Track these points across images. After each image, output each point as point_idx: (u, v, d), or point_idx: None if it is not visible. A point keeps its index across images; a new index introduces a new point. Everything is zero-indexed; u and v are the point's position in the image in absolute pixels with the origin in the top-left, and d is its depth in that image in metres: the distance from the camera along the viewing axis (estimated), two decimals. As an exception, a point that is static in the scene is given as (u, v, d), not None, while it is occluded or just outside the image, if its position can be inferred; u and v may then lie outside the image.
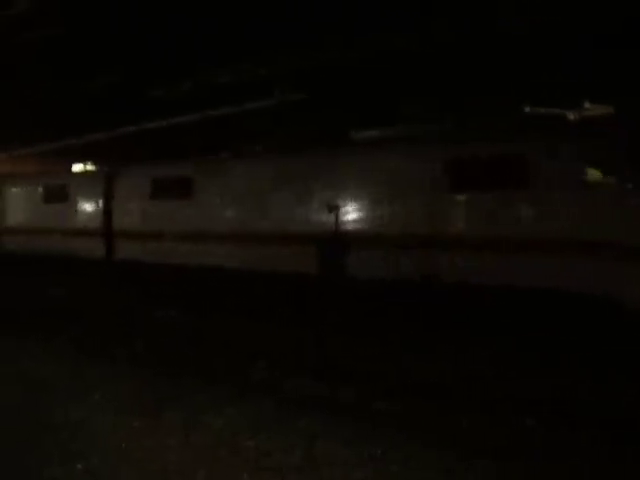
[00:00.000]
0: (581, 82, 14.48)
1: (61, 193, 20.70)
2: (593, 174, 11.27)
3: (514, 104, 15.86)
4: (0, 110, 19.06)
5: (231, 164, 17.04)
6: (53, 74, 14.60)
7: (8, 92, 16.66)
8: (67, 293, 15.88)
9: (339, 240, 14.58)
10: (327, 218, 14.91)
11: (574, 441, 6.49)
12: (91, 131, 21.05)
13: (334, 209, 14.65)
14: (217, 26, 11.48)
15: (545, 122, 15.16)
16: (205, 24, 11.41)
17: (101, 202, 19.46)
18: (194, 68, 13.86)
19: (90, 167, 28.32)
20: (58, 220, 20.75)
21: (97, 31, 11.59)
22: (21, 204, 22.70)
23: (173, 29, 11.67)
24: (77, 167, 28.80)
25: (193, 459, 6.11)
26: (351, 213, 14.61)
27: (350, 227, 14.49)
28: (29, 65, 13.86)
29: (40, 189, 21.50)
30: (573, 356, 9.31)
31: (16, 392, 7.95)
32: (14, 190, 23.19)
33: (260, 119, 18.15)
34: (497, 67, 13.76)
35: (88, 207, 19.89)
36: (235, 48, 12.68)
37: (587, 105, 16.09)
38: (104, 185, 19.35)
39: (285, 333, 11.26)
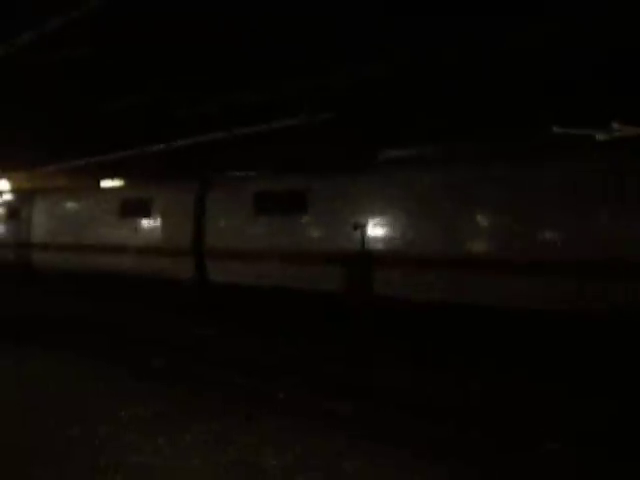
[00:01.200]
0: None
1: (143, 207, 18.92)
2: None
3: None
4: (31, 128, 19.24)
5: (349, 178, 15.33)
6: (82, 93, 14.75)
7: (39, 110, 16.86)
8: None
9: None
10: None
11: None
12: (120, 149, 21.22)
13: (359, 227, 14.61)
14: (244, 46, 11.54)
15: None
16: (232, 44, 11.48)
17: (192, 217, 17.75)
18: (221, 88, 13.94)
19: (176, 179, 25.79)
20: (136, 237, 19.01)
21: (125, 52, 11.71)
22: (90, 219, 20.47)
23: (201, 49, 11.76)
24: (106, 183, 28.86)
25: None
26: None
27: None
28: (59, 85, 14.02)
29: (116, 202, 19.52)
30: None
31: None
32: (77, 204, 21.41)
33: (286, 138, 18.22)
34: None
35: (175, 222, 18.14)
36: (261, 68, 12.75)
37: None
38: (196, 199, 17.75)
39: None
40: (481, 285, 12.90)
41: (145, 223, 18.82)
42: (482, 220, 13.61)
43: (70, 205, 21.69)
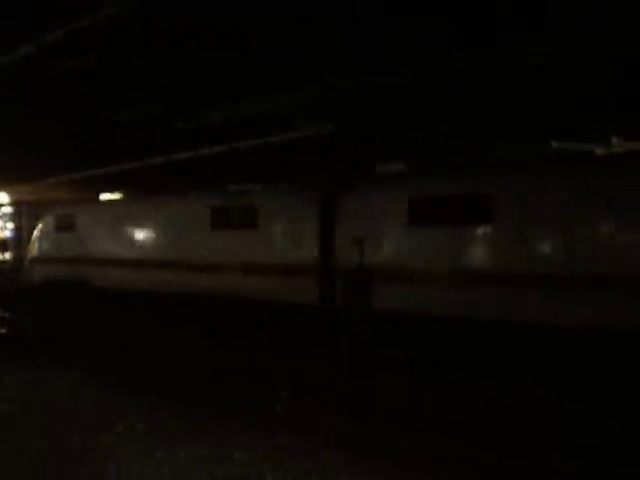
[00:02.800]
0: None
1: (245, 217, 16.40)
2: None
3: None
4: (34, 139, 19.14)
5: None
6: (85, 105, 14.75)
7: (42, 122, 16.84)
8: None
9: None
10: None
11: None
12: (122, 160, 21.17)
13: (359, 242, 14.52)
14: (246, 58, 11.56)
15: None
16: (234, 56, 11.49)
17: (315, 230, 15.04)
18: (223, 100, 13.94)
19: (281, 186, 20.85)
20: (234, 252, 16.40)
21: (129, 63, 11.72)
22: (169, 231, 18.16)
23: (202, 62, 11.77)
24: (105, 195, 28.64)
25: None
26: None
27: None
28: (61, 96, 14.01)
29: (205, 212, 17.06)
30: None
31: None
32: (150, 214, 19.17)
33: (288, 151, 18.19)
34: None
35: (292, 236, 15.50)
36: (263, 81, 12.76)
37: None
38: (320, 208, 15.19)
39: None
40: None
41: (246, 237, 16.29)
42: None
43: (140, 215, 19.60)
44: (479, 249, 12.63)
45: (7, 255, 31.49)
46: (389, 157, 17.40)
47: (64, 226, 21.64)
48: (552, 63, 10.88)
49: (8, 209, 32.66)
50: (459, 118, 15.18)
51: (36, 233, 23.60)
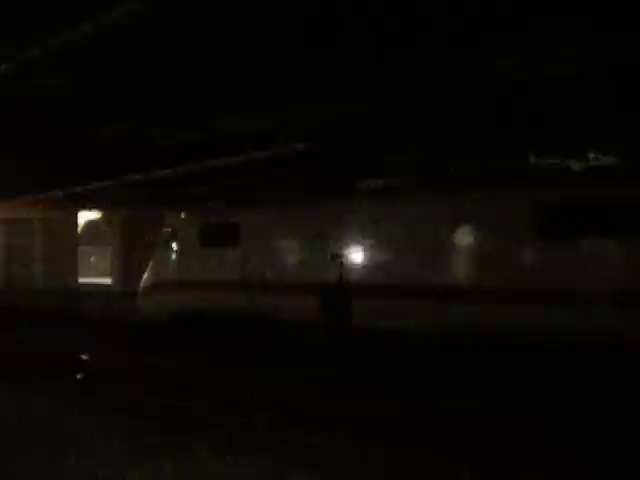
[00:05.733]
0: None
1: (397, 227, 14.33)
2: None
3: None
4: (8, 157, 18.95)
5: None
6: (61, 122, 14.62)
7: (16, 140, 16.67)
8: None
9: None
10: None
11: None
12: (100, 179, 21.02)
13: (337, 257, 14.52)
14: (226, 76, 11.50)
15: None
16: (214, 74, 11.43)
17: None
18: (202, 117, 13.87)
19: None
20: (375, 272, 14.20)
21: (106, 80, 11.62)
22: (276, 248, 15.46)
23: (182, 78, 11.69)
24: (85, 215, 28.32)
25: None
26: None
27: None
28: (36, 113, 13.89)
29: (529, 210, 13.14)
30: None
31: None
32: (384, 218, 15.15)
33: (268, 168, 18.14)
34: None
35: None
36: (244, 98, 12.71)
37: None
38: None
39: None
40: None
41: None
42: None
43: (397, 220, 15.03)
44: None
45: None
46: (371, 174, 17.51)
47: (217, 240, 17.52)
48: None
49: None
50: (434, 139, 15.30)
51: (158, 252, 19.59)
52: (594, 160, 16.30)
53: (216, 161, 16.69)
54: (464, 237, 13.51)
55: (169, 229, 20.16)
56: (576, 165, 16.33)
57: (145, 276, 20.23)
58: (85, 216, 38.68)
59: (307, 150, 15.05)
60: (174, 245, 18.94)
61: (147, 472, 6.92)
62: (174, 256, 18.77)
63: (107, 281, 39.82)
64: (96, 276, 45.82)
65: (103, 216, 38.32)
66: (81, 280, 37.98)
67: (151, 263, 19.86)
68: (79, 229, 38.21)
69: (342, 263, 14.72)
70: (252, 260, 16.38)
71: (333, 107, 12.55)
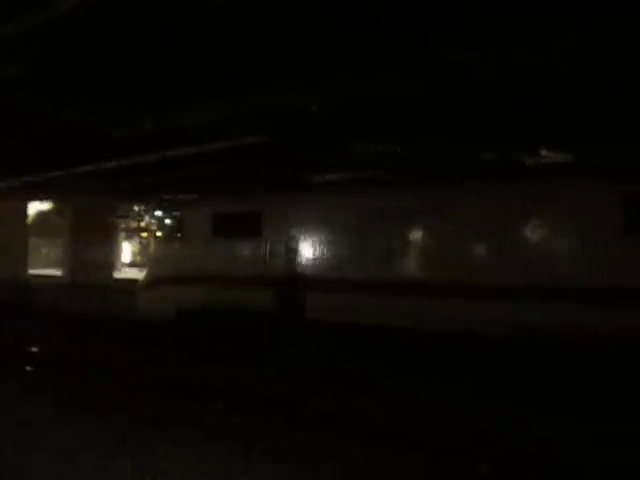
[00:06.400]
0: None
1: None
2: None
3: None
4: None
5: None
6: (11, 113, 14.43)
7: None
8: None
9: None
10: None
11: None
12: (51, 169, 20.77)
13: (291, 251, 14.61)
14: (180, 67, 11.47)
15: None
16: (167, 65, 11.39)
17: None
18: (156, 108, 13.81)
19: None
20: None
21: (58, 70, 11.50)
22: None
23: (133, 69, 11.63)
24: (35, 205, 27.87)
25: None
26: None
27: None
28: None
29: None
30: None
31: None
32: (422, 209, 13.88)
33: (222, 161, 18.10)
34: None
35: None
36: (198, 90, 12.68)
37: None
38: None
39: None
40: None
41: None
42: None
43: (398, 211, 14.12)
44: None
45: None
46: (323, 168, 17.58)
47: (241, 230, 16.11)
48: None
49: None
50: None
51: (163, 243, 18.94)
52: (546, 157, 16.60)
53: (167, 153, 16.60)
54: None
55: (176, 219, 19.19)
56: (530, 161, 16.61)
57: (147, 269, 19.72)
58: (35, 207, 38.18)
59: (259, 142, 15.05)
60: (173, 238, 17.79)
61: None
62: (175, 249, 17.62)
63: (57, 272, 39.37)
64: (46, 267, 45.29)
65: (54, 207, 37.84)
66: (31, 271, 37.49)
67: (154, 256, 20.22)
68: (29, 220, 37.67)
69: (296, 257, 14.76)
70: (274, 253, 15.10)
71: (285, 99, 12.58)
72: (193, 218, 17.72)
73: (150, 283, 17.57)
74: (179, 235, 17.34)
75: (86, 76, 11.94)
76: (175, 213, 20.71)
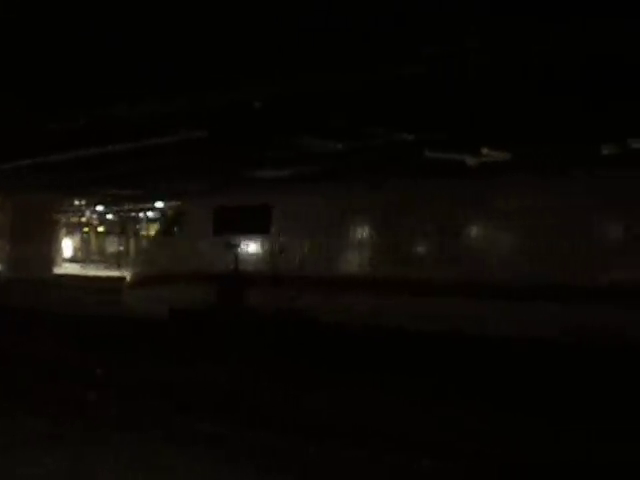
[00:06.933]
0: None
1: None
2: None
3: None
4: None
5: None
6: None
7: None
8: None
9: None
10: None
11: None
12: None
13: (232, 247, 14.57)
14: (121, 62, 11.35)
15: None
16: (109, 59, 11.26)
17: None
18: (92, 103, 13.65)
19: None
20: None
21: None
22: None
23: (75, 62, 11.47)
24: None
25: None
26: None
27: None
28: None
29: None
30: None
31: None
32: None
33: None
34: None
35: None
36: (140, 84, 12.58)
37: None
38: None
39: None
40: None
41: None
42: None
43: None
44: None
45: None
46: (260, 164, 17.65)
47: (239, 224, 14.76)
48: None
49: None
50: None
51: (156, 238, 17.73)
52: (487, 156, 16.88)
53: (106, 147, 16.46)
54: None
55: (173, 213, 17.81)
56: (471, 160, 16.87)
57: (136, 266, 18.68)
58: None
59: (199, 137, 15.02)
60: (182, 231, 16.25)
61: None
62: (170, 244, 16.48)
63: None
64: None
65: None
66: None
67: (145, 251, 19.14)
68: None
69: (237, 252, 14.71)
70: (291, 247, 14.06)
71: (227, 95, 12.57)
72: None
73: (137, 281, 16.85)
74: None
75: (22, 69, 11.73)
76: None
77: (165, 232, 17.49)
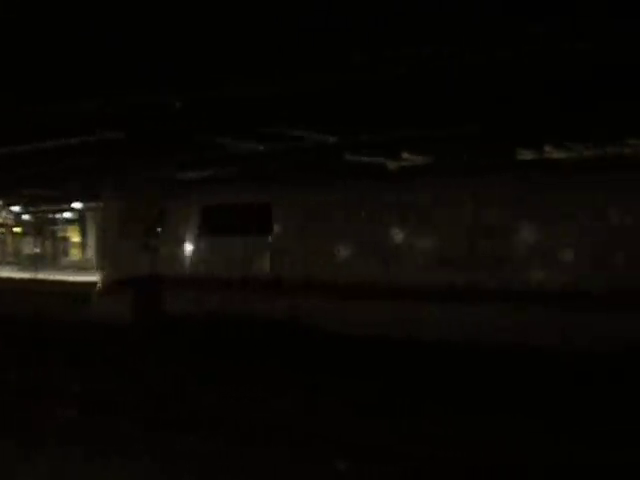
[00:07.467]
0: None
1: None
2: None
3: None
4: None
5: None
6: None
7: None
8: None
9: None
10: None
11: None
12: None
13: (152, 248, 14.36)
14: (40, 61, 11.11)
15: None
16: (29, 59, 11.00)
17: None
18: (9, 102, 13.31)
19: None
20: None
21: None
22: None
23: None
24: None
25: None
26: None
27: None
28: None
29: None
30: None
31: None
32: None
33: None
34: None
35: None
36: (58, 85, 12.33)
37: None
38: None
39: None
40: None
41: None
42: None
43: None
44: None
45: None
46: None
47: (231, 226, 13.74)
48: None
49: None
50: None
51: (126, 242, 15.54)
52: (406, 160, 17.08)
53: (21, 147, 16.09)
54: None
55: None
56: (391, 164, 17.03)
57: (109, 269, 16.40)
58: None
59: (116, 138, 14.82)
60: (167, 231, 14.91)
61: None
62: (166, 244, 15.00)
63: None
64: None
65: None
66: None
67: (119, 253, 15.90)
68: None
69: (156, 254, 14.49)
70: (289, 251, 13.14)
71: (146, 96, 12.45)
72: None
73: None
74: None
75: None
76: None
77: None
